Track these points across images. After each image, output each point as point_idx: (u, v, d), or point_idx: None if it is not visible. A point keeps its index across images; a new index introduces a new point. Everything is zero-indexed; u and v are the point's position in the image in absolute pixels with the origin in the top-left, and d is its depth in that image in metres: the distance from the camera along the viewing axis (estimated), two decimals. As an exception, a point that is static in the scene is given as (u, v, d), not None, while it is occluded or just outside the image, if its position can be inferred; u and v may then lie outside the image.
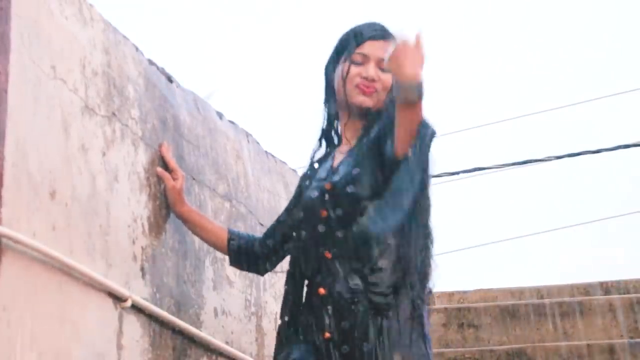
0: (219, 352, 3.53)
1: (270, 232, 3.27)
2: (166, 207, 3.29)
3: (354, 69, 3.03)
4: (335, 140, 3.16)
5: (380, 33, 3.07)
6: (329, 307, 2.89)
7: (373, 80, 3.02)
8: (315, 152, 3.18)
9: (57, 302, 2.69)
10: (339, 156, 3.08)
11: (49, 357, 2.62)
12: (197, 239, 3.45)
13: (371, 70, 3.03)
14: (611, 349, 5.30)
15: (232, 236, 3.29)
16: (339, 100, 3.09)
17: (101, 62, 3.00)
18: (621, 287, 6.66)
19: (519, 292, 6.76)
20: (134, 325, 3.04)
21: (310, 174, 3.14)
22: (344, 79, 3.04)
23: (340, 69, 3.06)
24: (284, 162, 4.35)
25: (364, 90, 3.02)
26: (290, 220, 3.17)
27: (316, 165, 3.15)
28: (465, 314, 5.98)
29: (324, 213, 2.96)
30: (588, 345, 5.35)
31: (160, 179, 3.26)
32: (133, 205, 3.10)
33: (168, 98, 3.39)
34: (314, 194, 3.02)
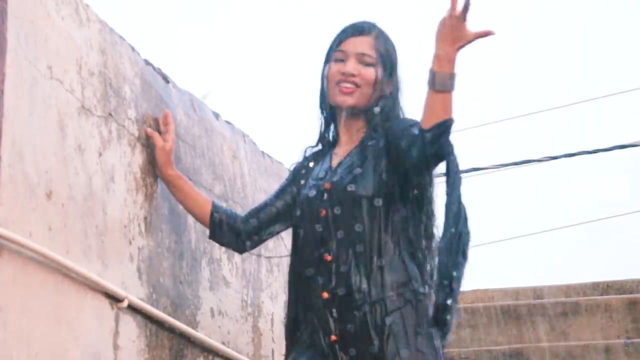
0: (215, 353, 3.53)
1: (255, 213, 3.23)
2: (163, 207, 3.29)
3: (334, 67, 3.05)
4: (331, 140, 3.16)
5: (359, 29, 3.08)
6: (333, 310, 2.90)
7: (352, 75, 3.02)
8: (310, 150, 3.18)
9: (53, 302, 2.69)
10: (336, 157, 3.08)
11: (45, 357, 2.62)
12: (193, 239, 3.45)
13: (349, 65, 3.03)
14: (608, 349, 5.30)
15: (216, 209, 3.23)
16: (330, 103, 3.09)
17: (97, 63, 3.00)
18: (618, 287, 6.66)
19: (516, 293, 6.75)
20: (130, 326, 3.04)
21: (305, 172, 3.14)
22: (326, 78, 3.06)
23: (324, 71, 3.08)
24: (280, 163, 4.35)
25: (343, 89, 3.02)
26: (276, 207, 3.18)
27: (311, 164, 3.14)
28: (462, 314, 5.98)
29: (323, 212, 2.96)
30: (585, 345, 5.36)
31: (156, 179, 3.26)
32: (129, 206, 3.10)
33: (164, 98, 3.39)
34: (312, 192, 3.02)
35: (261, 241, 3.27)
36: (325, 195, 2.98)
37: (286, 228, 3.25)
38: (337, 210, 2.95)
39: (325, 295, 2.91)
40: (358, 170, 2.97)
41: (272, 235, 3.26)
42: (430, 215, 3.01)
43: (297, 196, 3.11)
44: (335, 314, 2.90)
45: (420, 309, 2.90)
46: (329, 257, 2.92)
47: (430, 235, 3.00)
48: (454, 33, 2.74)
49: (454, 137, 2.84)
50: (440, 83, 2.75)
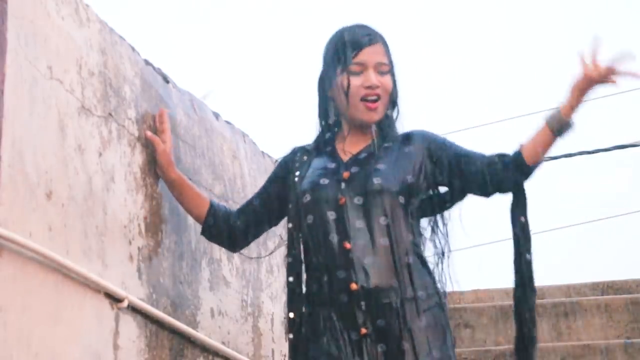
0: (215, 353, 3.53)
1: (240, 213, 3.24)
2: (163, 207, 3.29)
3: (355, 81, 3.01)
4: (327, 139, 3.15)
5: (372, 37, 3.04)
6: (362, 303, 2.86)
7: (376, 87, 3.01)
8: (305, 148, 3.15)
9: (53, 302, 2.69)
10: (344, 153, 3.05)
11: (45, 357, 2.62)
12: (193, 240, 3.45)
13: (372, 77, 3.00)
14: (607, 350, 5.29)
15: (212, 210, 3.23)
16: (341, 112, 3.07)
17: (97, 63, 3.00)
18: (618, 287, 6.65)
19: (516, 293, 6.73)
20: (130, 326, 3.04)
21: (299, 165, 3.09)
22: (346, 94, 3.01)
23: (339, 82, 3.03)
24: (280, 163, 4.34)
25: (370, 105, 3.01)
26: (262, 206, 3.18)
27: (305, 157, 3.11)
28: (462, 314, 5.98)
29: (342, 200, 2.93)
30: (585, 345, 5.35)
31: (156, 179, 3.26)
32: (129, 206, 3.10)
33: (164, 98, 3.39)
34: (324, 180, 2.99)
35: (248, 242, 3.29)
36: (343, 185, 2.96)
37: (274, 225, 3.25)
38: (358, 200, 2.92)
39: (354, 286, 2.87)
40: (382, 166, 2.96)
41: (261, 233, 3.28)
42: (437, 228, 3.06)
43: (288, 189, 3.07)
44: (364, 307, 2.86)
45: (446, 310, 2.94)
46: (348, 245, 2.89)
47: (436, 247, 3.05)
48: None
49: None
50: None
